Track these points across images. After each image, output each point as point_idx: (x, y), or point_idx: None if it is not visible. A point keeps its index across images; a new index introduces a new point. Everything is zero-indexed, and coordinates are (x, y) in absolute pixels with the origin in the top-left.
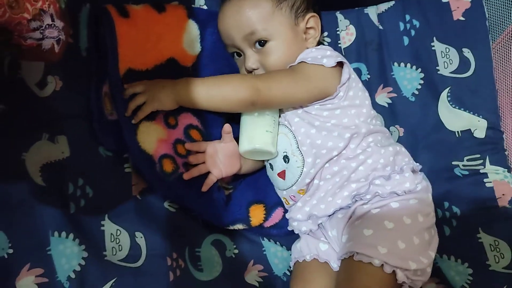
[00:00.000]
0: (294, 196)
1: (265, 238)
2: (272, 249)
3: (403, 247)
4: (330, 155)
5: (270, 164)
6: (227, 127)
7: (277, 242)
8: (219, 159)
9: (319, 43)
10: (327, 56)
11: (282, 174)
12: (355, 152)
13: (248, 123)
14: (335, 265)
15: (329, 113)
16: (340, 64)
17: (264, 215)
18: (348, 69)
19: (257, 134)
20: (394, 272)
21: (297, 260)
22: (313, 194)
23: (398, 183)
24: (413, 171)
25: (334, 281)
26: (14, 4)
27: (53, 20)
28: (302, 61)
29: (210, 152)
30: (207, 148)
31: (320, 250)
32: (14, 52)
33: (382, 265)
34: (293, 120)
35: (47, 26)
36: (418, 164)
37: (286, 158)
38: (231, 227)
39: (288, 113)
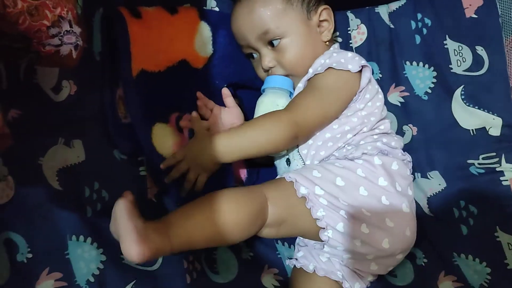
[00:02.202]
0: None
1: (279, 241)
2: (286, 253)
3: (317, 176)
4: (327, 155)
5: (276, 166)
6: (225, 90)
7: (291, 246)
8: (221, 121)
9: (333, 40)
10: (351, 61)
11: None
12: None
13: None
14: (333, 276)
15: (340, 115)
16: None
17: None
18: (368, 73)
19: None
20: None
21: (295, 266)
22: None
23: (346, 151)
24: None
25: None
26: (34, 12)
27: (71, 26)
28: (329, 67)
29: (215, 111)
30: (214, 108)
31: (320, 261)
32: (33, 58)
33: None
34: None
35: (65, 32)
36: (405, 153)
37: (288, 161)
38: None
39: None
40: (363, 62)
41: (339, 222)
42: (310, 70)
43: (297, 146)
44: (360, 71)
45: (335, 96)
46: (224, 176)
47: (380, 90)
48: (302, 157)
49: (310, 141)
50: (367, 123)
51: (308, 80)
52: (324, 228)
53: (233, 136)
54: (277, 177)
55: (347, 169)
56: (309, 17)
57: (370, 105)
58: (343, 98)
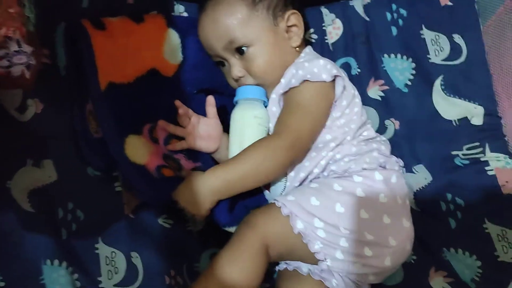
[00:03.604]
0: None
1: None
2: None
3: (316, 204)
4: (312, 167)
5: None
6: (210, 99)
7: None
8: (198, 131)
9: (306, 40)
10: (324, 69)
11: (267, 187)
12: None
13: (238, 134)
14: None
15: None
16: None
17: None
18: (342, 81)
19: (248, 143)
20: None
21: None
22: None
23: (344, 164)
24: (384, 167)
25: None
26: None
27: (20, 46)
28: (305, 80)
29: (193, 121)
30: (192, 117)
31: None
32: None
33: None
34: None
35: (14, 52)
36: (399, 160)
37: None
38: (231, 229)
39: (272, 124)
40: (335, 71)
41: (337, 251)
42: (282, 81)
43: None
44: (334, 80)
45: (319, 110)
46: None
47: (356, 93)
48: None
49: None
50: (349, 131)
51: (285, 93)
52: (323, 260)
53: (230, 176)
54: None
55: (346, 192)
56: (275, 23)
57: (348, 112)
58: (325, 109)
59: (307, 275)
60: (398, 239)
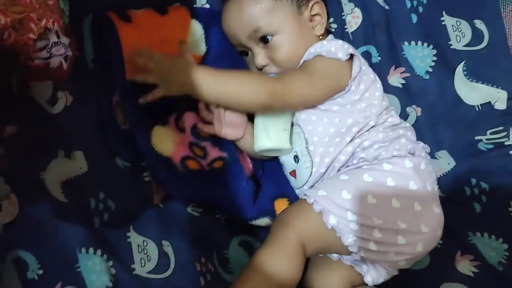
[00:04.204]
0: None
1: None
2: None
3: (347, 198)
4: (338, 151)
5: (282, 163)
6: None
7: None
8: (224, 121)
9: (326, 30)
10: (341, 48)
11: (293, 173)
12: (355, 141)
13: (264, 121)
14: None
15: (339, 108)
16: (351, 57)
17: None
18: (358, 62)
19: (274, 132)
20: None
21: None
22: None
23: (374, 151)
24: (413, 154)
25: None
26: (18, 26)
27: (58, 37)
28: (318, 55)
29: (218, 109)
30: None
31: None
32: (22, 73)
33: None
34: (300, 117)
35: (53, 44)
36: (425, 145)
37: (296, 158)
38: (257, 222)
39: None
40: (351, 50)
41: (371, 243)
42: (301, 61)
43: (306, 143)
44: (351, 59)
45: (322, 82)
46: (234, 168)
47: (377, 79)
48: (310, 154)
49: (315, 138)
50: (370, 116)
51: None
52: (356, 252)
53: (218, 78)
54: (286, 171)
55: (377, 182)
56: (300, 12)
57: (368, 96)
58: (330, 85)
59: (337, 259)
60: (430, 225)
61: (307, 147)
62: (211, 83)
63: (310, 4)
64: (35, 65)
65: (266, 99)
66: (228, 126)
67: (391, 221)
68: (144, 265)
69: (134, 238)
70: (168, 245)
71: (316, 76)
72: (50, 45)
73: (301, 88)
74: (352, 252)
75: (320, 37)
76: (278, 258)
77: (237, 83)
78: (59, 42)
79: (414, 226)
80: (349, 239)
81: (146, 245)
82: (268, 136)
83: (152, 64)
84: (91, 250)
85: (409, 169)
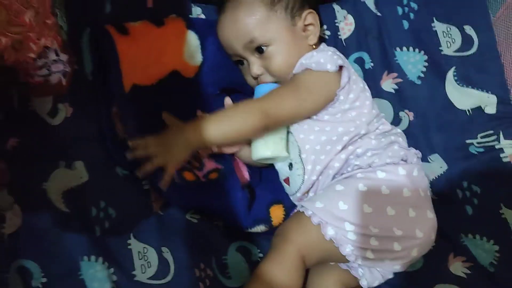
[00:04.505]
0: (301, 200)
1: None
2: None
3: (344, 208)
4: (328, 159)
5: (277, 169)
6: (228, 100)
7: None
8: None
9: (320, 37)
10: (330, 59)
11: (287, 181)
12: (348, 148)
13: None
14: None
15: (330, 117)
16: (340, 68)
17: (284, 215)
18: (347, 72)
19: (271, 141)
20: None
21: None
22: (314, 191)
23: (368, 158)
24: (405, 161)
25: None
26: (18, 46)
27: (57, 55)
28: (306, 68)
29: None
30: None
31: None
32: (22, 89)
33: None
34: (293, 126)
35: (52, 61)
36: (417, 151)
37: (290, 166)
38: (253, 229)
39: None
40: (340, 62)
41: (368, 251)
42: (292, 74)
43: (299, 151)
44: (340, 70)
45: (311, 94)
46: (229, 179)
47: (366, 88)
48: (303, 161)
49: (307, 146)
50: (361, 125)
51: None
52: (354, 261)
53: (206, 126)
54: (280, 178)
55: (372, 191)
56: (293, 22)
57: (358, 104)
58: (319, 97)
59: (334, 264)
60: (424, 230)
61: (300, 155)
62: (209, 131)
63: (304, 15)
64: (35, 82)
65: (260, 122)
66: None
67: (387, 229)
68: (144, 272)
69: (135, 245)
70: (167, 252)
71: (304, 90)
72: (49, 63)
73: (291, 104)
74: (350, 260)
75: (313, 46)
76: (280, 272)
77: (229, 120)
78: (58, 60)
79: (409, 232)
80: (347, 249)
81: (146, 252)
82: (266, 145)
83: (152, 149)
84: (92, 258)
85: (402, 176)
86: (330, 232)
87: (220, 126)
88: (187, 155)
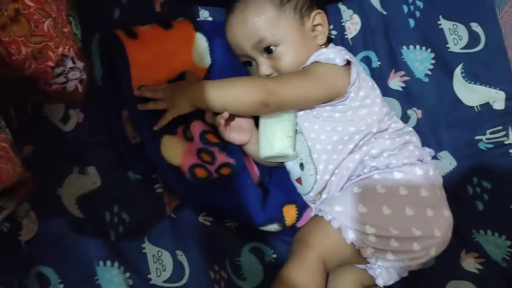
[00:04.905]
0: (313, 200)
1: None
2: None
3: (364, 211)
4: (341, 159)
5: (288, 170)
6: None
7: None
8: (230, 123)
9: (328, 38)
10: (339, 53)
11: (299, 181)
12: (362, 148)
13: (268, 128)
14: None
15: (341, 115)
16: (348, 64)
17: (297, 215)
18: (355, 69)
19: (278, 139)
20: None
21: None
22: (328, 191)
23: (384, 159)
24: (421, 161)
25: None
26: (38, 55)
27: (74, 63)
28: (315, 61)
29: (225, 115)
30: (225, 112)
31: None
32: (41, 98)
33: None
34: (303, 125)
35: (69, 69)
36: (431, 150)
37: (301, 166)
38: (266, 228)
39: (299, 118)
40: (348, 57)
41: (388, 253)
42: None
43: (309, 151)
44: (349, 66)
45: (317, 82)
46: (241, 176)
47: (375, 85)
48: (314, 161)
49: (318, 146)
50: (372, 123)
51: None
52: (375, 263)
53: (212, 86)
54: (292, 178)
55: (390, 193)
56: (302, 22)
57: (368, 102)
58: (325, 87)
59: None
60: (442, 229)
61: (310, 155)
62: (212, 91)
63: (312, 15)
64: (53, 90)
65: (261, 96)
66: (235, 130)
67: (407, 230)
68: (159, 275)
69: (149, 249)
70: (182, 255)
71: (311, 76)
72: (66, 71)
73: (296, 85)
74: (370, 262)
75: (322, 46)
76: (303, 278)
77: (234, 86)
78: (74, 67)
79: (428, 231)
80: (368, 252)
81: (160, 255)
82: (271, 143)
83: (159, 94)
84: (108, 262)
85: (419, 177)
86: (351, 235)
87: (222, 91)
88: (188, 109)
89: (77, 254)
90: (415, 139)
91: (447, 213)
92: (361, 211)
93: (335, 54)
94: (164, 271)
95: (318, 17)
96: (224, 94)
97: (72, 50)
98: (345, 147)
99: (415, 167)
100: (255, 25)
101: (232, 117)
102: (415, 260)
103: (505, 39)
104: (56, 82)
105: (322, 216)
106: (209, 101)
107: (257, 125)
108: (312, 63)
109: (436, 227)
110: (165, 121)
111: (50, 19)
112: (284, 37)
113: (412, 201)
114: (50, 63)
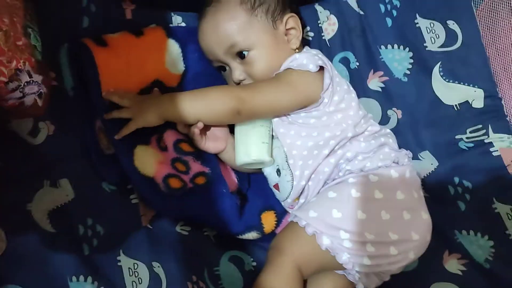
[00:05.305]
0: (292, 206)
1: None
2: None
3: (338, 216)
4: (316, 164)
5: (266, 176)
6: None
7: None
8: (206, 133)
9: (303, 39)
10: (312, 60)
11: (276, 187)
12: (337, 152)
13: (243, 135)
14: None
15: (316, 121)
16: (322, 69)
17: (276, 222)
18: (329, 74)
19: (253, 146)
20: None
21: None
22: (305, 196)
23: (359, 162)
24: (397, 163)
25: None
26: None
27: (30, 76)
28: (288, 68)
29: (199, 124)
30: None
31: None
32: None
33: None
34: (279, 131)
35: (25, 84)
36: (408, 152)
37: (278, 172)
38: (244, 236)
39: (275, 124)
40: (321, 62)
41: (364, 258)
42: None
43: (285, 156)
44: (322, 71)
45: (290, 89)
46: (217, 185)
47: (351, 89)
48: (290, 167)
49: (294, 151)
50: (347, 128)
51: None
52: (351, 268)
53: (182, 97)
54: (270, 184)
55: (365, 197)
56: (275, 27)
57: (343, 106)
58: (298, 93)
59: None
60: (420, 232)
61: (287, 161)
62: (183, 104)
63: (285, 19)
64: (9, 105)
65: (233, 104)
66: (210, 139)
67: (383, 234)
68: None
69: (125, 262)
70: (158, 266)
71: (282, 84)
72: (22, 85)
73: (267, 93)
74: (347, 268)
75: (296, 50)
76: (278, 285)
77: (205, 97)
78: (31, 81)
79: (405, 235)
80: (343, 257)
81: (136, 268)
82: (247, 150)
83: (126, 102)
84: (81, 278)
85: (395, 179)
86: (325, 241)
87: (193, 102)
88: (155, 121)
89: (48, 271)
90: (391, 141)
91: (425, 216)
92: (335, 216)
93: (308, 60)
94: (140, 283)
95: (291, 20)
96: (195, 106)
97: (28, 63)
98: (320, 153)
99: (390, 169)
100: (226, 30)
101: (206, 126)
102: (393, 264)
103: (482, 36)
104: (12, 97)
105: (297, 222)
106: (181, 114)
107: (232, 131)
108: (284, 69)
109: (413, 230)
110: (128, 131)
111: (0, 32)
112: (256, 42)
113: (388, 204)
114: (3, 78)
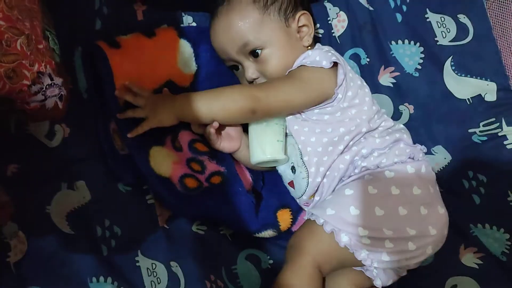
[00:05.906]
0: (307, 203)
1: None
2: None
3: (356, 213)
4: (331, 160)
5: (280, 173)
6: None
7: None
8: (221, 133)
9: (314, 37)
10: (325, 57)
11: (291, 184)
12: (351, 149)
13: (258, 134)
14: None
15: (330, 117)
16: (335, 65)
17: (291, 219)
18: (342, 70)
19: (268, 144)
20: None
21: None
22: (320, 193)
23: (375, 158)
24: (412, 158)
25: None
26: (12, 74)
27: (52, 79)
28: (301, 65)
29: (214, 124)
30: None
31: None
32: (20, 116)
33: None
34: (293, 128)
35: (47, 86)
36: (423, 147)
37: (293, 169)
38: (261, 234)
39: (289, 122)
40: (334, 58)
41: (383, 254)
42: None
43: (300, 154)
44: (336, 67)
45: (303, 86)
46: (233, 184)
47: (365, 84)
48: (305, 164)
49: (308, 148)
50: (362, 123)
51: None
52: (370, 265)
53: (197, 97)
54: (284, 182)
55: (382, 193)
56: (287, 24)
57: (357, 102)
58: (312, 90)
59: None
60: (437, 226)
61: (301, 158)
62: (198, 104)
63: (297, 16)
64: (31, 108)
65: (248, 103)
66: (225, 139)
67: (401, 230)
68: None
69: (143, 262)
70: (176, 266)
71: (297, 81)
72: (44, 88)
73: (282, 91)
74: (366, 264)
75: (308, 47)
76: (298, 284)
77: (219, 96)
78: (52, 84)
79: (422, 230)
80: (362, 254)
81: (155, 268)
82: (262, 149)
83: (141, 101)
84: (101, 278)
85: (411, 175)
86: (344, 239)
87: (208, 102)
88: (170, 121)
89: (68, 272)
90: (406, 136)
91: (441, 210)
92: (353, 213)
93: (321, 56)
94: (159, 283)
95: (303, 18)
96: (211, 106)
97: (49, 66)
98: (335, 148)
99: (406, 165)
100: (239, 28)
101: (220, 125)
102: (411, 259)
103: (493, 29)
104: (34, 100)
105: (314, 220)
106: (196, 114)
107: (245, 130)
108: (298, 67)
109: (430, 225)
110: (141, 131)
111: (23, 36)
112: (269, 40)
113: (405, 200)
114: (26, 82)
